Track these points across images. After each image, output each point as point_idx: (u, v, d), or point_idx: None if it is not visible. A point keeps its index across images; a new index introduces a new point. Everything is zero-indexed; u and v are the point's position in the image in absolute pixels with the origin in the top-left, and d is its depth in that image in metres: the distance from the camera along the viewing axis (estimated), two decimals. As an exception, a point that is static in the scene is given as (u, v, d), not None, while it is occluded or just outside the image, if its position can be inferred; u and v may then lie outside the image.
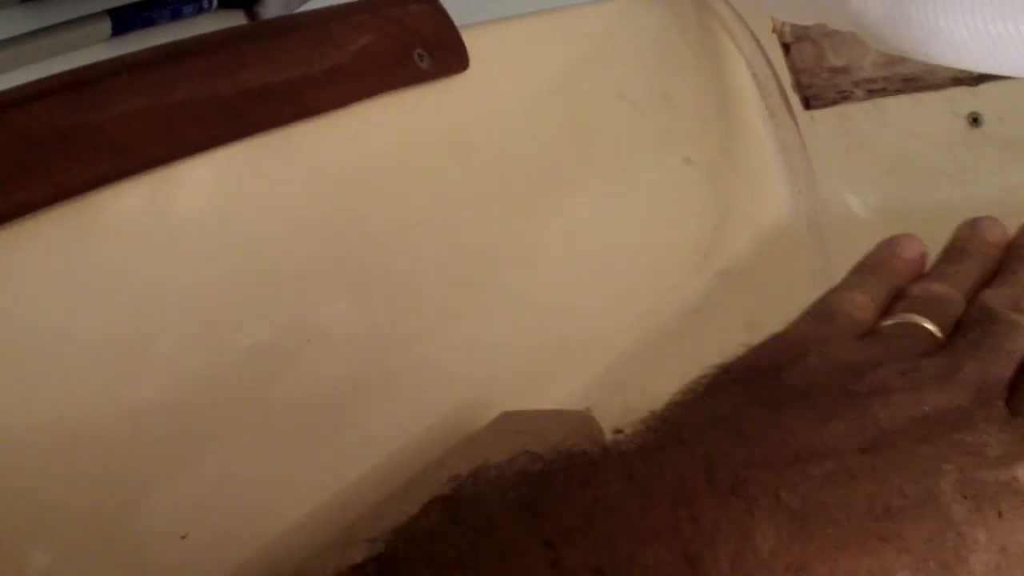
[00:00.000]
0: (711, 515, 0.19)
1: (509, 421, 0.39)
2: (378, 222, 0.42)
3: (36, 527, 0.30)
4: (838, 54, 0.64)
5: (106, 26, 0.43)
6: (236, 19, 0.48)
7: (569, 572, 0.18)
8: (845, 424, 0.22)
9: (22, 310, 0.31)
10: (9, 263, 0.31)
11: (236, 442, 0.35)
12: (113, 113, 0.33)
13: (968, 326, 0.27)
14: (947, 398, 0.23)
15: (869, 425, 0.22)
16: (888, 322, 0.27)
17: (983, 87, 0.60)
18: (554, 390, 0.46)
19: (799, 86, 0.66)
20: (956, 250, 0.32)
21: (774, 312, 0.28)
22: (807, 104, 0.66)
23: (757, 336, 0.27)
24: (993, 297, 0.28)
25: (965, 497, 0.20)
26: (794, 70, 0.66)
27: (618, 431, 0.22)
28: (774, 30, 0.65)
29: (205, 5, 0.46)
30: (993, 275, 0.30)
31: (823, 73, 0.65)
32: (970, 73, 0.59)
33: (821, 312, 0.28)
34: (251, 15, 0.49)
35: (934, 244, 0.32)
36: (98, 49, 0.43)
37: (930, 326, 0.27)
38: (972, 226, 0.32)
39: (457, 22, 0.47)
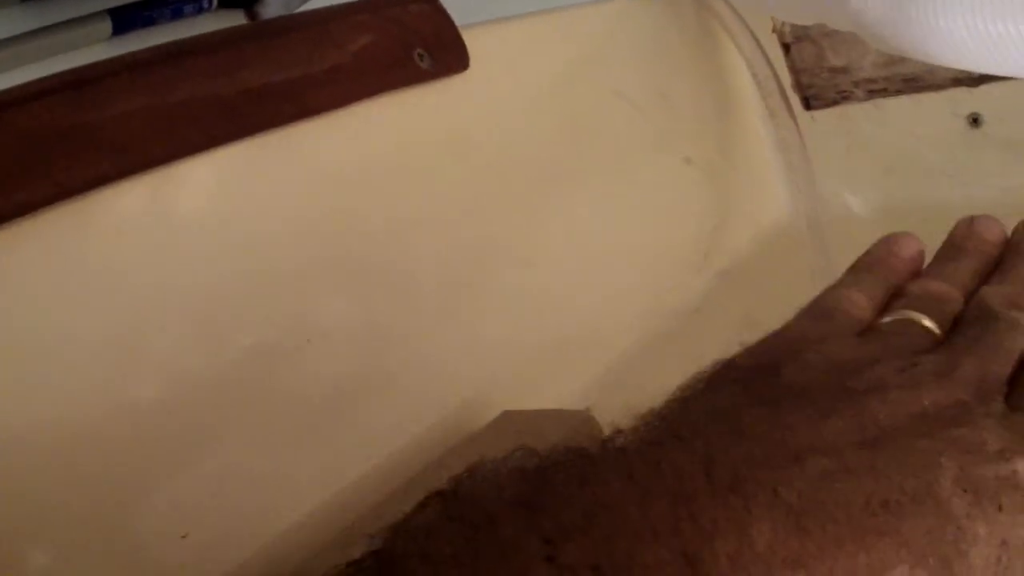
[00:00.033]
0: (710, 513, 0.19)
1: (509, 420, 0.39)
2: (378, 222, 0.42)
3: (36, 527, 0.30)
4: (838, 54, 0.64)
5: (107, 25, 0.44)
6: (236, 19, 0.48)
7: (567, 569, 0.18)
8: (844, 421, 0.22)
9: (22, 309, 0.31)
10: (9, 263, 0.31)
11: (236, 442, 0.35)
12: (113, 112, 0.33)
13: (966, 323, 0.27)
14: (946, 394, 0.23)
15: (868, 422, 0.22)
16: (886, 319, 0.27)
17: (983, 87, 0.60)
18: (554, 389, 0.46)
19: (799, 86, 0.66)
20: (954, 248, 0.32)
21: (773, 312, 0.28)
22: (807, 104, 0.67)
23: (756, 336, 0.27)
24: (991, 295, 0.28)
25: (965, 491, 0.20)
26: (794, 70, 0.66)
27: (617, 429, 0.23)
28: (774, 30, 0.65)
29: (205, 5, 0.46)
30: (991, 273, 0.30)
31: (823, 73, 0.65)
32: (970, 73, 0.59)
33: (819, 310, 0.28)
34: (251, 15, 0.49)
35: (933, 244, 0.32)
36: (99, 48, 0.43)
37: (928, 323, 0.27)
38: (969, 224, 0.32)
39: (457, 22, 0.47)
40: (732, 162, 0.63)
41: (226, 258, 0.37)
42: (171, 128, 0.35)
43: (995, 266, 0.31)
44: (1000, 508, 0.20)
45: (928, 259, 0.32)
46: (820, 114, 0.66)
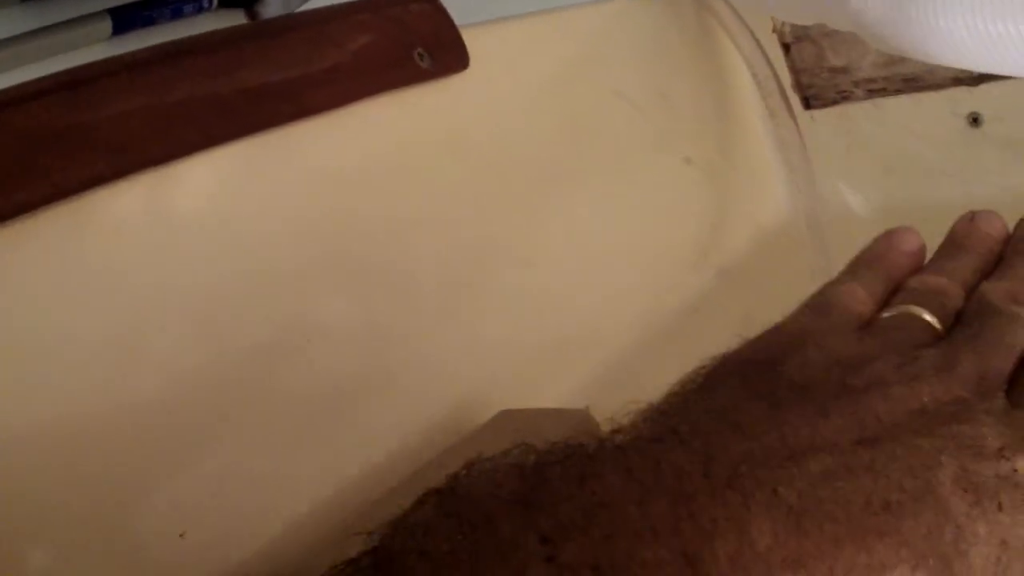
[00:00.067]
0: (709, 512, 0.19)
1: (508, 419, 0.39)
2: (377, 221, 0.42)
3: (36, 527, 0.30)
4: (838, 54, 0.64)
5: (107, 25, 0.44)
6: (236, 18, 0.48)
7: (567, 568, 0.18)
8: (843, 419, 0.22)
9: (20, 309, 0.31)
10: (7, 262, 0.31)
11: (235, 441, 0.35)
12: (111, 112, 0.33)
13: (967, 319, 0.26)
14: (946, 390, 0.23)
15: (867, 419, 0.22)
16: (887, 314, 0.27)
17: (983, 87, 0.60)
18: (553, 388, 0.46)
19: (799, 86, 0.66)
20: (955, 243, 0.31)
21: (773, 311, 0.28)
22: (807, 104, 0.66)
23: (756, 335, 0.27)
24: (992, 290, 0.27)
25: (965, 490, 0.20)
26: (794, 70, 0.66)
27: (616, 426, 0.22)
28: (774, 30, 0.65)
29: (205, 4, 0.46)
30: (992, 268, 0.30)
31: (823, 73, 0.65)
32: (970, 73, 0.59)
33: (819, 305, 0.28)
34: (251, 14, 0.49)
35: (933, 243, 0.32)
36: (99, 48, 0.44)
37: (929, 317, 0.26)
38: (971, 219, 0.32)
39: (457, 21, 0.47)
40: (732, 162, 0.63)
41: (225, 258, 0.37)
42: (169, 128, 0.35)
43: (997, 261, 0.30)
44: (1000, 507, 0.20)
45: (928, 258, 0.32)
46: (820, 114, 0.66)
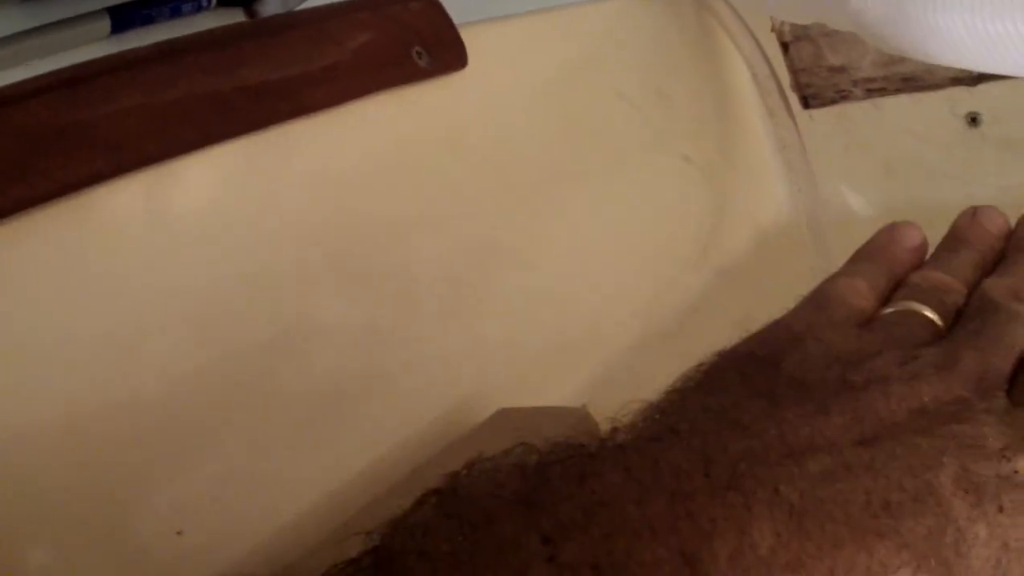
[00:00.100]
0: (709, 512, 0.19)
1: (506, 418, 0.39)
2: (376, 220, 0.42)
3: (36, 527, 0.30)
4: (837, 53, 0.64)
5: (105, 24, 0.44)
6: (235, 17, 0.48)
7: (567, 567, 0.18)
8: (843, 417, 0.22)
9: (18, 307, 0.31)
10: (5, 260, 0.31)
11: (235, 441, 0.35)
12: (109, 110, 0.33)
13: (969, 316, 0.26)
14: (946, 389, 0.22)
15: (868, 417, 0.22)
16: (888, 310, 0.27)
17: (982, 87, 0.60)
18: (552, 387, 0.46)
19: (798, 85, 0.66)
20: (957, 239, 0.31)
21: (772, 311, 0.28)
22: (806, 103, 0.66)
23: (756, 333, 0.27)
24: (994, 287, 0.27)
25: (965, 491, 0.20)
26: (793, 69, 0.66)
27: (616, 425, 0.22)
28: (773, 29, 0.65)
29: (204, 3, 0.46)
30: (993, 265, 0.30)
31: (822, 72, 0.65)
32: (969, 73, 0.59)
33: (820, 300, 0.28)
34: (250, 13, 0.49)
35: (932, 243, 0.32)
36: (97, 47, 0.43)
37: (930, 314, 0.26)
38: (972, 215, 0.32)
39: (456, 20, 0.47)
40: (731, 161, 0.63)
41: (223, 256, 0.36)
42: (168, 126, 0.35)
43: (998, 258, 0.30)
44: (1001, 509, 0.20)
45: (929, 256, 0.31)
46: (819, 113, 0.66)
